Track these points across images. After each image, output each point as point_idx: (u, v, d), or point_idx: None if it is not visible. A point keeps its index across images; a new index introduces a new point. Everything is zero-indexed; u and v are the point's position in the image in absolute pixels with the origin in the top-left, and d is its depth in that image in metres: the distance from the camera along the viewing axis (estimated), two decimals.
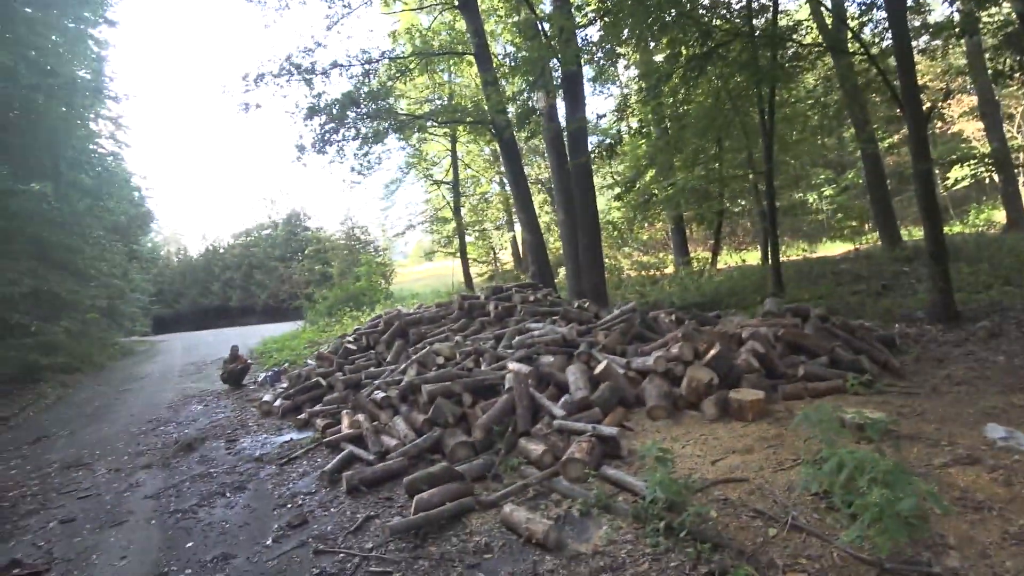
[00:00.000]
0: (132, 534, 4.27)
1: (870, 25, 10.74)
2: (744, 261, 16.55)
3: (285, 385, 8.43)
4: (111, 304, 18.61)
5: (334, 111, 11.89)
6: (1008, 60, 9.35)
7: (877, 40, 10.95)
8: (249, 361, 10.18)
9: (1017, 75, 9.38)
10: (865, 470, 2.76)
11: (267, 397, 7.79)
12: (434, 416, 5.23)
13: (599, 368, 5.44)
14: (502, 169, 24.01)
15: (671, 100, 11.02)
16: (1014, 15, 8.79)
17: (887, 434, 3.68)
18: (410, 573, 3.23)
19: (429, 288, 24.77)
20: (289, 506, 4.45)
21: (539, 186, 21.84)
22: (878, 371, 5.44)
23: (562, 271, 15.77)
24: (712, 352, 5.08)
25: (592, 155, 10.05)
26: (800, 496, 3.23)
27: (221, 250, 42.24)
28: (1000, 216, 15.88)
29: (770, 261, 10.68)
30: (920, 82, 8.48)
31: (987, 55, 12.09)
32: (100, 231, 14.88)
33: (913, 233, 16.08)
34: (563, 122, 11.10)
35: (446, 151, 20.71)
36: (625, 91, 20.37)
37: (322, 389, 7.37)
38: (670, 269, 17.32)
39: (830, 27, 11.56)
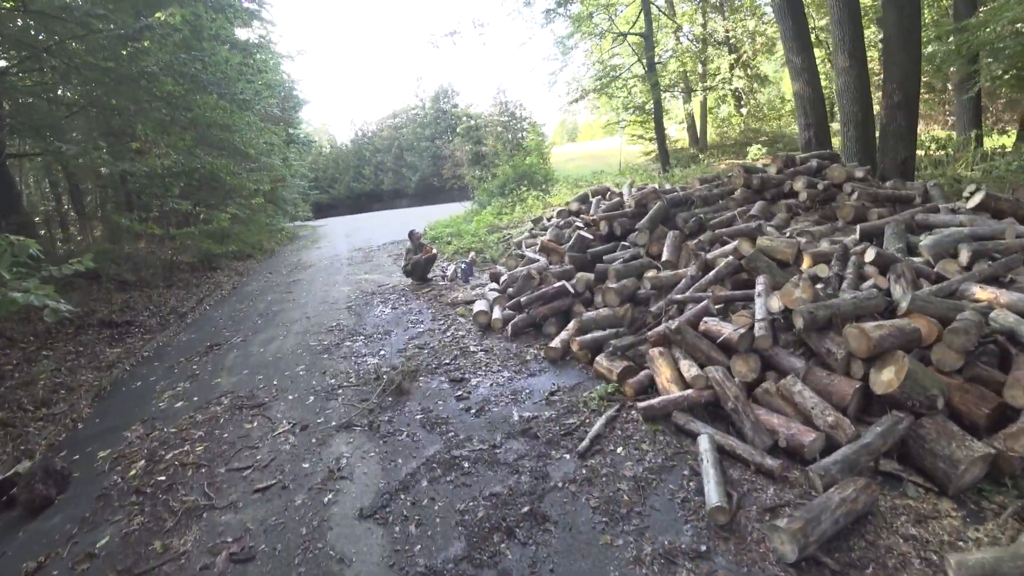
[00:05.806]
0: None
1: None
2: None
3: (495, 286, 6.04)
4: (274, 189, 18.00)
5: None
6: None
7: None
8: (435, 250, 7.96)
9: None
10: None
11: (481, 305, 5.41)
12: (906, 392, 2.36)
13: None
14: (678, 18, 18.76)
15: None
16: None
17: None
18: None
19: (587, 169, 21.33)
20: None
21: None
22: None
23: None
24: None
25: None
26: None
27: (370, 134, 42.29)
28: None
29: None
30: None
31: None
32: (250, 94, 12.74)
33: None
34: None
35: None
36: None
37: (570, 299, 4.78)
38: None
39: None
